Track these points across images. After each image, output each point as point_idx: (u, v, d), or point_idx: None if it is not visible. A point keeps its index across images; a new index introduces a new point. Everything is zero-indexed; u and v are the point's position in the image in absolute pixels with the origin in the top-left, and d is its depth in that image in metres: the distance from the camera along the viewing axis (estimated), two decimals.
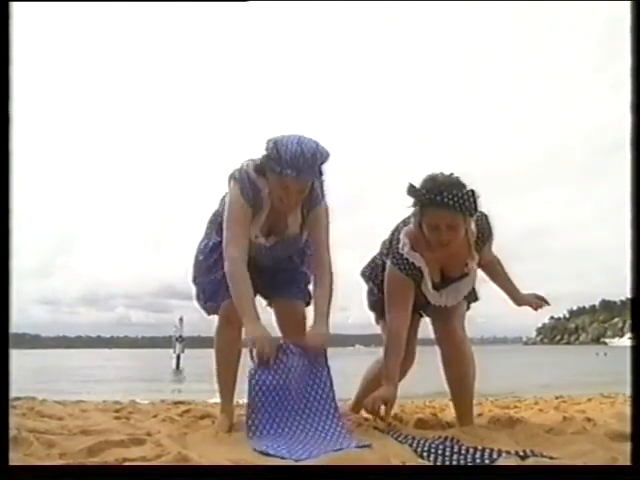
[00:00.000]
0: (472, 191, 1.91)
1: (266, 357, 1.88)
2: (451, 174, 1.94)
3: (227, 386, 2.23)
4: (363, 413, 2.50)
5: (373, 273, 2.38)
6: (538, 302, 2.28)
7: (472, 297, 2.35)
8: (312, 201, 2.09)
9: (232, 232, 2.02)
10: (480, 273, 2.26)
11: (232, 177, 2.07)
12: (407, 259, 2.09)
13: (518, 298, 2.30)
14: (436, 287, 2.15)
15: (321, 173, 2.02)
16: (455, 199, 1.88)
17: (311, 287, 2.23)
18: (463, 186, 1.92)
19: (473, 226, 2.06)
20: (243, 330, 2.03)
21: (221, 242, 2.10)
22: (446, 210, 1.89)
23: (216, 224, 2.24)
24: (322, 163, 1.97)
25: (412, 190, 1.96)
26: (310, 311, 2.16)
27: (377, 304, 2.36)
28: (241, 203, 2.02)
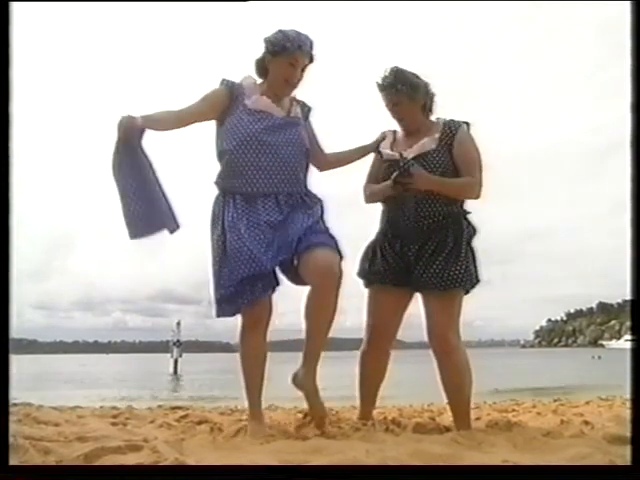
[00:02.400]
0: (397, 68, 2.29)
1: (124, 134, 2.03)
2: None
3: (255, 392, 2.22)
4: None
5: (370, 246, 2.42)
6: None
7: (472, 281, 2.24)
8: (305, 110, 2.39)
9: (192, 103, 2.23)
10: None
11: None
12: (381, 154, 2.44)
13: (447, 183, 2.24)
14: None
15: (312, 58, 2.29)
16: (387, 80, 2.29)
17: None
18: (401, 71, 2.30)
19: (442, 122, 2.35)
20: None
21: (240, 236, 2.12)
22: (385, 91, 2.32)
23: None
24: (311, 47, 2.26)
25: (377, 85, 2.34)
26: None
27: (364, 272, 2.38)
28: (217, 89, 2.26)
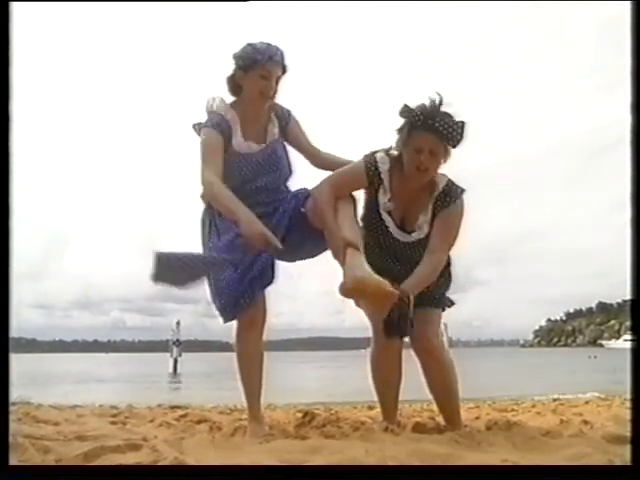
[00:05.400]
0: (462, 122, 1.96)
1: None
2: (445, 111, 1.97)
3: (254, 392, 2.21)
4: (362, 417, 2.48)
5: None
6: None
7: (446, 302, 2.31)
8: (285, 113, 2.33)
9: (207, 160, 2.12)
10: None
11: (196, 125, 2.27)
12: (375, 159, 2.12)
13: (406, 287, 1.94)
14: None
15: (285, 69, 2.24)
16: (445, 126, 1.94)
17: None
18: (453, 117, 1.96)
19: (442, 184, 2.09)
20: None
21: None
22: (433, 134, 1.94)
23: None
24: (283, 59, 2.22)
25: (406, 110, 1.99)
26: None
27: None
28: (212, 134, 2.17)
